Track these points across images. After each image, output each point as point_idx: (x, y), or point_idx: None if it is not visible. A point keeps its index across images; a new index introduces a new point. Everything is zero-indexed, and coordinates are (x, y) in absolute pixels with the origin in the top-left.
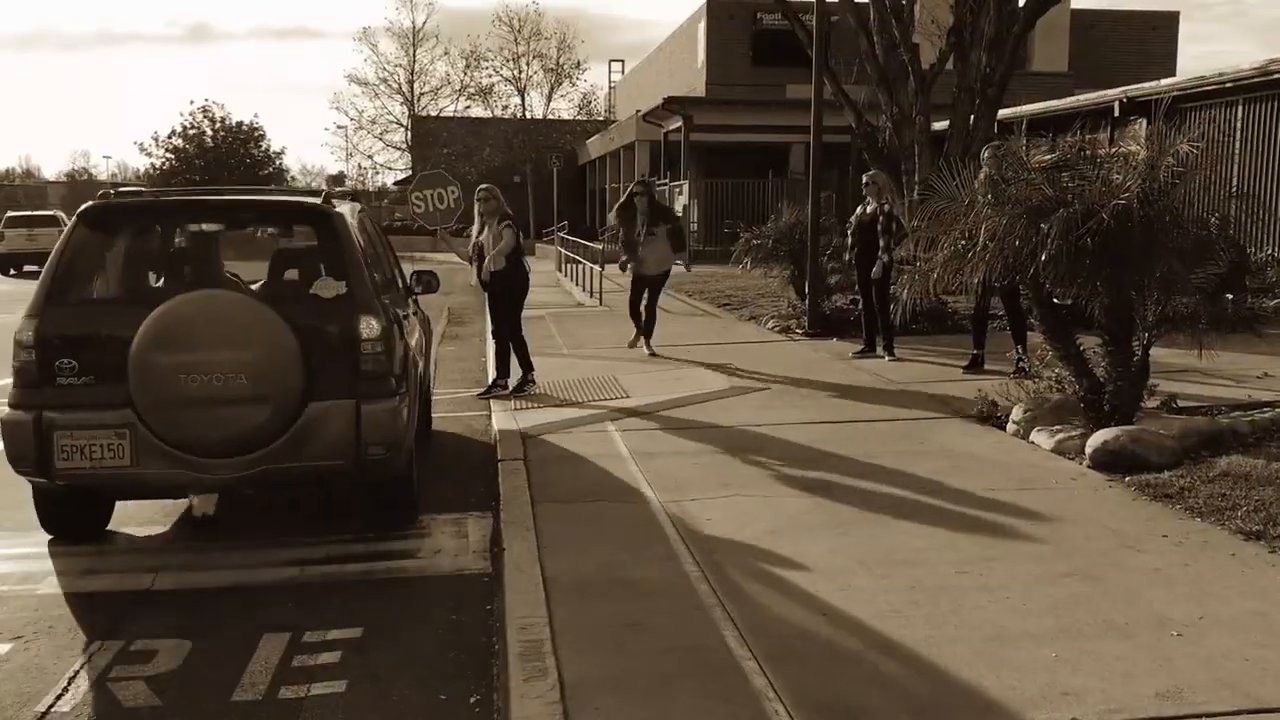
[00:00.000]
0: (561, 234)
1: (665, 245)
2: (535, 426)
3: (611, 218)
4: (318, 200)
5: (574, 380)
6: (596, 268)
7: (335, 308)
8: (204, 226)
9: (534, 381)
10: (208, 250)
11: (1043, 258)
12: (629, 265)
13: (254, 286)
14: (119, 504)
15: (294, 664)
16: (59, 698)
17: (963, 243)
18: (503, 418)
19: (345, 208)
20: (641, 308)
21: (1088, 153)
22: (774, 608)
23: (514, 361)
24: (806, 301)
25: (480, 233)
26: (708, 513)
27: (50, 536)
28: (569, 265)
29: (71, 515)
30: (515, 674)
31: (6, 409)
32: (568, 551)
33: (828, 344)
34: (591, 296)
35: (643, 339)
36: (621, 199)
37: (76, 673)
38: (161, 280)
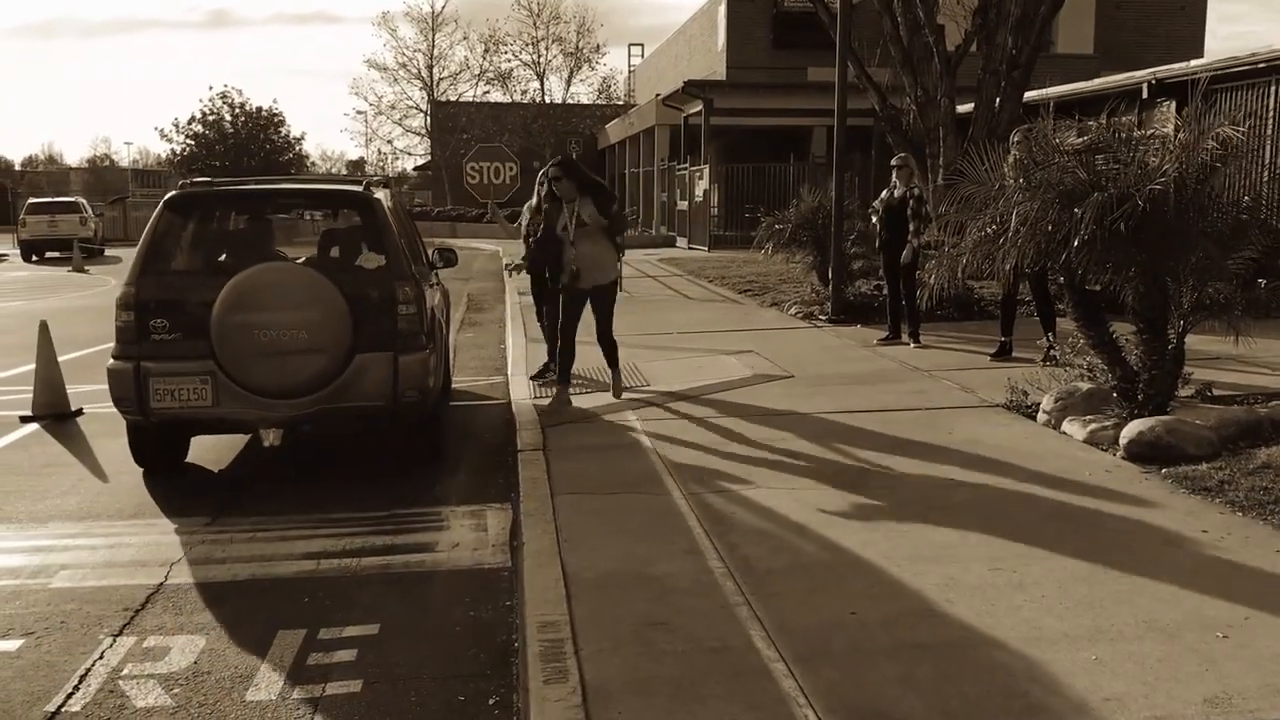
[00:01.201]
0: None
1: (605, 243)
2: (555, 415)
3: (525, 221)
4: (360, 188)
5: (594, 368)
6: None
7: (377, 277)
8: (265, 210)
9: (555, 371)
10: (266, 230)
11: (1075, 243)
12: (563, 275)
13: (299, 261)
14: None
15: (309, 662)
16: (70, 696)
17: (992, 228)
18: (522, 406)
19: (382, 193)
20: (561, 336)
21: (1123, 135)
22: (802, 606)
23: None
24: (830, 287)
25: (538, 213)
26: (732, 505)
27: (53, 527)
28: None
29: (159, 451)
30: (535, 675)
31: (111, 360)
32: (589, 545)
33: (852, 330)
34: None
35: (616, 377)
36: (538, 194)
37: (88, 670)
38: (230, 255)
